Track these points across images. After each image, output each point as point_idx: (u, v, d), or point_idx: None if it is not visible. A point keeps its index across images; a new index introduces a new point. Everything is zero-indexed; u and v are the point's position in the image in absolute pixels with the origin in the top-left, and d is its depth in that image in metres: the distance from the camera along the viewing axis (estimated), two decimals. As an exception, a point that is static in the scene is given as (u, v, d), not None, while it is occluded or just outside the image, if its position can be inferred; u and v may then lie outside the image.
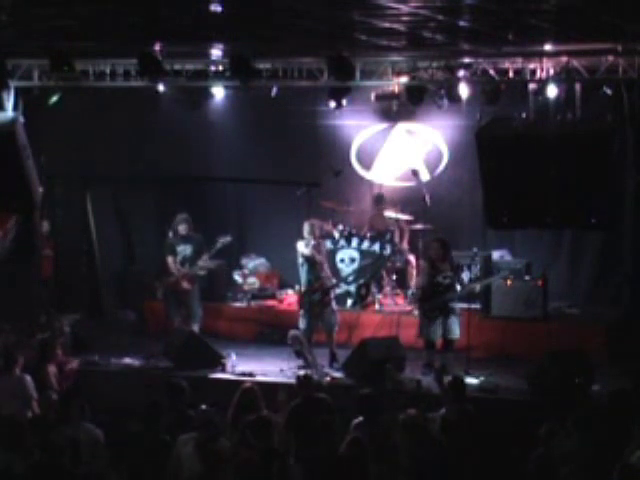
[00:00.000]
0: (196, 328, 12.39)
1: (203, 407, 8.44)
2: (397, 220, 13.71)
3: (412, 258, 13.52)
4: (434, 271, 11.18)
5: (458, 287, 11.16)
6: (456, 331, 11.14)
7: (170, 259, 12.49)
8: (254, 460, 7.16)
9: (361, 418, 8.40)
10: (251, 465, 7.12)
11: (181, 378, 9.64)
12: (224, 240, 12.42)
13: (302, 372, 10.22)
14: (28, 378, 9.62)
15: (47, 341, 10.63)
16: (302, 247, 11.73)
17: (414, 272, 13.29)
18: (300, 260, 11.81)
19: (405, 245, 13.72)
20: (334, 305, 11.89)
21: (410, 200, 14.04)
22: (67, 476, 7.26)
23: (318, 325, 11.77)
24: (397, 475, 7.37)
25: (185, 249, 12.50)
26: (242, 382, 9.59)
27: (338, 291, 12.69)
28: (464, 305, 11.87)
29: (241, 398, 8.70)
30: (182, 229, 12.52)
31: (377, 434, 8.02)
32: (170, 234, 12.67)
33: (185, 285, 12.41)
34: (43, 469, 7.23)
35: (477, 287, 11.69)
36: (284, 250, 12.89)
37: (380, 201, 14.02)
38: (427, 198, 13.35)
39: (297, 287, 12.45)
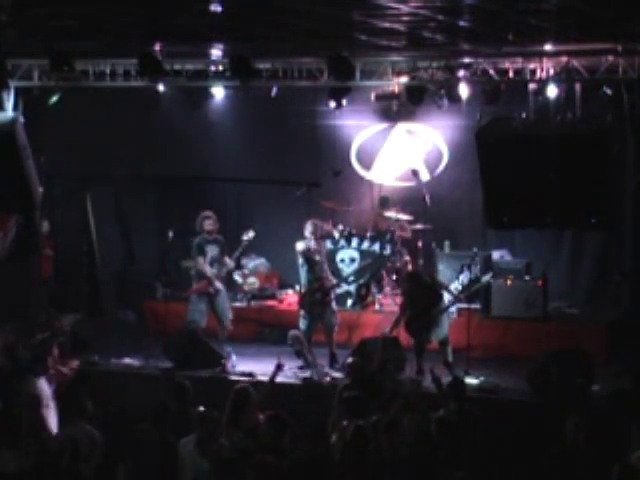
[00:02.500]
0: (225, 332, 12.14)
1: (201, 408, 8.43)
2: (397, 220, 13.71)
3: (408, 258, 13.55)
4: (414, 304, 11.19)
5: (446, 298, 11.18)
6: (444, 330, 11.13)
7: (200, 260, 12.09)
8: (270, 462, 7.16)
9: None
10: (268, 467, 7.12)
11: (183, 377, 9.64)
12: (248, 237, 12.19)
13: (351, 359, 10.28)
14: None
15: (44, 342, 10.59)
16: (300, 246, 11.74)
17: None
18: (300, 260, 11.82)
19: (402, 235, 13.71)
20: (334, 305, 11.90)
21: (410, 200, 14.05)
22: (65, 476, 7.26)
23: (318, 325, 11.78)
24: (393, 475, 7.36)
25: (212, 249, 12.13)
26: (242, 382, 9.59)
27: (338, 291, 12.67)
28: (464, 305, 11.87)
29: (235, 398, 8.69)
30: (208, 224, 12.10)
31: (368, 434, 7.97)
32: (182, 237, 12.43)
33: (218, 285, 12.13)
34: (41, 469, 7.24)
35: (462, 296, 11.58)
36: (284, 250, 12.89)
37: (385, 204, 14.01)
38: (427, 198, 13.37)
39: (297, 287, 12.43)
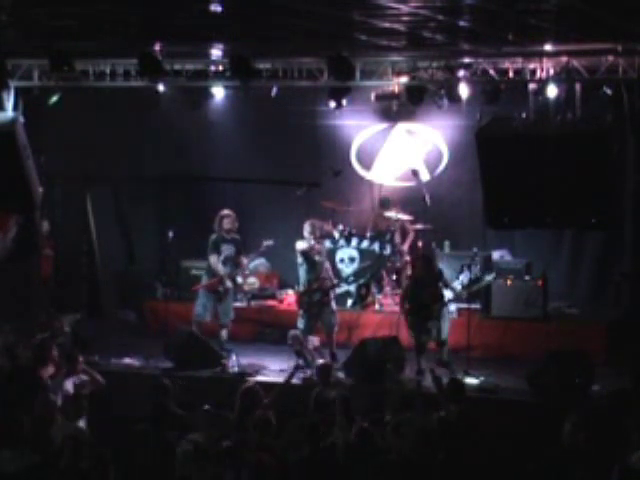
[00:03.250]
0: (225, 333, 12.16)
1: (206, 407, 8.43)
2: (397, 220, 13.71)
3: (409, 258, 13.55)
4: (420, 290, 11.17)
5: (447, 294, 11.16)
6: (445, 331, 11.14)
7: (214, 258, 12.08)
8: (267, 460, 7.16)
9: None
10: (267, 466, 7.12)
11: (164, 378, 9.62)
12: (268, 243, 12.25)
13: (320, 362, 10.39)
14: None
15: (44, 342, 10.57)
16: (299, 245, 11.74)
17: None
18: (299, 260, 11.82)
19: (406, 247, 13.72)
20: (334, 305, 11.89)
21: (410, 200, 14.06)
22: (65, 476, 7.26)
23: (318, 325, 11.78)
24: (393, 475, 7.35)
25: (228, 249, 12.13)
26: (243, 382, 9.60)
27: (338, 291, 12.66)
28: (464, 305, 11.87)
29: (243, 398, 8.69)
30: (226, 223, 12.11)
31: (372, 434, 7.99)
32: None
33: (229, 284, 12.09)
34: (42, 469, 7.24)
35: (464, 294, 11.55)
36: (284, 250, 12.89)
37: (386, 204, 14.00)
38: (427, 198, 13.38)
39: (297, 287, 12.44)
